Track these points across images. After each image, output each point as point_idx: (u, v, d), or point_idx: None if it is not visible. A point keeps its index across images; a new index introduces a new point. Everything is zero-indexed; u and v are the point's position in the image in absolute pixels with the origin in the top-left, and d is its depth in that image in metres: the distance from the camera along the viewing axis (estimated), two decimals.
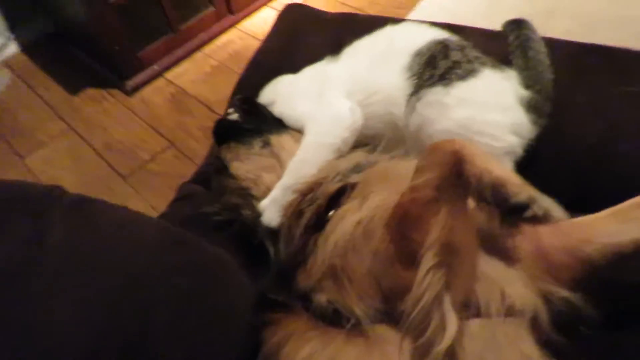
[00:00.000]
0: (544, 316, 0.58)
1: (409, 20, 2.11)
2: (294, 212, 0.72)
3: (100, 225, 0.56)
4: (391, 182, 0.66)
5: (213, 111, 2.06)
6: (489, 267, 0.58)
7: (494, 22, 2.04)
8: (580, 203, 0.79)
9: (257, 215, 0.78)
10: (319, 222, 0.68)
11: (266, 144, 0.87)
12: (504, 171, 0.52)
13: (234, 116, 0.91)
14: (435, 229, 0.51)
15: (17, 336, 0.44)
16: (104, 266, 0.52)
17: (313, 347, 0.57)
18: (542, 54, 0.88)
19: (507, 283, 0.58)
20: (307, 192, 0.73)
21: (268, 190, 0.81)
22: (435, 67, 0.83)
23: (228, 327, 0.56)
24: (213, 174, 0.88)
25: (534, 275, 0.61)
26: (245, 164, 0.85)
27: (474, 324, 0.54)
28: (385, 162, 0.75)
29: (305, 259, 0.66)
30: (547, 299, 0.61)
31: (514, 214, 0.50)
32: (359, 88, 0.88)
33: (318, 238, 0.66)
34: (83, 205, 0.58)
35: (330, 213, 0.67)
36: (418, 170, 0.57)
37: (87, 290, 0.49)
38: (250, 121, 0.89)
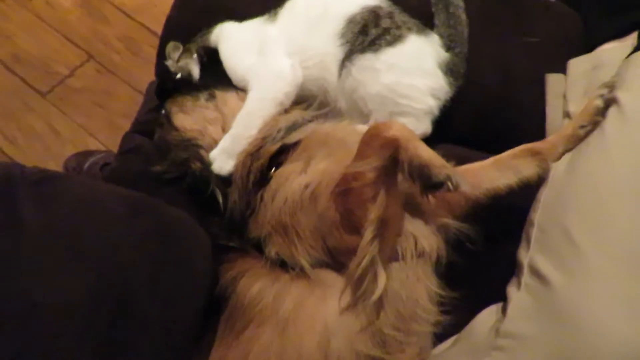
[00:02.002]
0: (443, 253, 0.78)
1: None
2: (243, 168, 0.82)
3: (68, 203, 0.63)
4: (331, 148, 0.78)
5: (132, 18, 1.94)
6: (407, 222, 0.75)
7: None
8: (481, 143, 0.97)
9: (207, 165, 0.86)
10: (263, 179, 0.79)
11: (211, 97, 0.92)
12: (430, 154, 0.67)
13: (187, 64, 0.94)
14: (375, 209, 0.66)
15: (25, 310, 0.54)
16: (84, 240, 0.60)
17: (264, 283, 0.73)
18: (460, 9, 0.97)
19: (419, 233, 0.76)
20: (253, 150, 0.83)
21: (214, 141, 0.89)
22: (367, 35, 0.91)
23: (195, 276, 0.68)
24: (156, 128, 0.93)
25: (436, 214, 0.79)
26: (190, 116, 0.91)
27: (393, 267, 0.73)
28: (323, 126, 0.85)
29: (254, 210, 0.78)
30: (445, 229, 0.81)
31: (433, 188, 0.67)
32: (296, 50, 0.93)
33: (264, 192, 0.78)
34: (45, 183, 0.65)
35: (272, 171, 0.79)
36: (360, 152, 0.70)
37: (76, 261, 0.58)
38: (203, 75, 0.93)
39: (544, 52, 1.00)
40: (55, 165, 1.67)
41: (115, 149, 1.70)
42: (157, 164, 0.88)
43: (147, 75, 1.80)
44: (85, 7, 1.96)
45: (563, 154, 0.81)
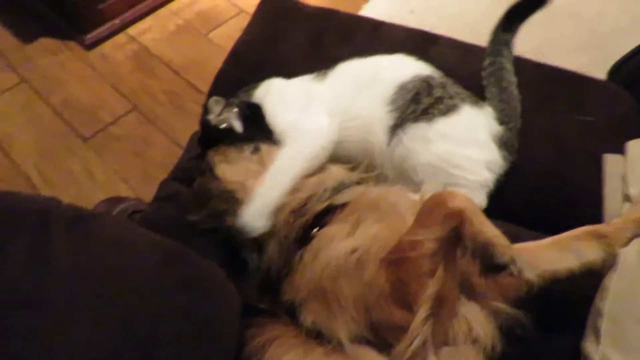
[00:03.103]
0: (497, 341, 0.70)
1: (369, 7, 2.15)
2: (286, 226, 0.78)
3: (100, 244, 0.60)
4: (383, 213, 0.73)
5: (178, 75, 2.02)
6: (461, 304, 0.68)
7: (461, 4, 2.08)
8: (532, 220, 0.92)
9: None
10: (305, 237, 0.74)
11: (256, 150, 0.90)
12: (494, 232, 0.61)
13: (227, 118, 0.94)
14: (433, 284, 0.60)
15: (40, 355, 0.49)
16: (112, 286, 0.56)
17: (294, 355, 0.66)
18: (513, 85, 0.96)
19: (473, 317, 0.69)
20: (297, 207, 0.79)
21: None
22: (419, 103, 0.90)
23: (221, 335, 0.63)
24: (197, 176, 0.91)
25: (489, 297, 0.72)
26: (232, 166, 0.88)
27: (443, 353, 0.65)
28: (373, 189, 0.81)
29: (291, 271, 0.73)
30: (498, 314, 0.73)
31: (495, 270, 0.60)
32: (340, 111, 0.93)
33: (304, 252, 0.72)
34: (80, 222, 0.61)
35: (315, 230, 0.74)
36: (420, 220, 0.65)
37: (101, 309, 0.54)
38: (247, 128, 0.92)
39: (599, 132, 0.96)
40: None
41: (146, 197, 1.71)
42: (193, 212, 0.85)
43: (186, 129, 1.83)
44: (137, 61, 2.06)
45: (631, 239, 0.74)
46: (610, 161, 0.91)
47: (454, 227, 0.62)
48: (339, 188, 0.80)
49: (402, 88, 0.92)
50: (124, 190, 1.76)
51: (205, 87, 1.91)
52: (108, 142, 1.85)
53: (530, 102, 0.97)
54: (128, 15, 2.12)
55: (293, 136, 0.90)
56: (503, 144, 0.92)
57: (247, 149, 0.90)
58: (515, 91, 0.96)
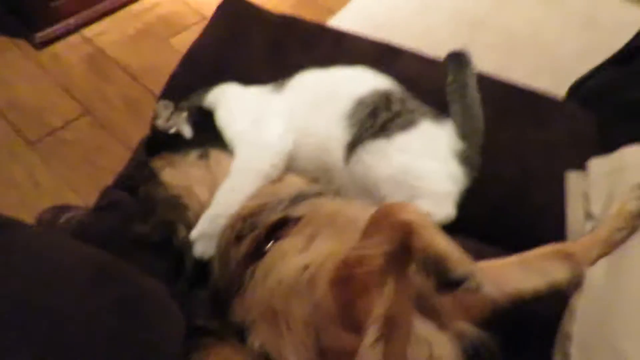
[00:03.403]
0: None
1: (344, 14, 2.14)
2: (233, 236, 0.72)
3: (18, 257, 0.52)
4: (340, 227, 0.68)
5: (136, 80, 1.93)
6: (420, 325, 0.63)
7: (426, 26, 2.11)
8: (494, 236, 0.89)
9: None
10: (257, 252, 0.69)
11: (204, 156, 0.85)
12: (447, 245, 0.56)
13: (176, 122, 0.88)
14: (381, 304, 0.54)
15: None
16: (30, 307, 0.49)
17: None
18: (476, 102, 0.94)
19: (434, 339, 0.63)
20: (248, 217, 0.74)
21: (198, 204, 0.80)
22: (376, 117, 0.86)
23: None
24: (141, 183, 0.84)
25: (451, 318, 0.68)
26: (177, 171, 0.83)
27: None
28: (332, 202, 0.76)
29: (241, 288, 0.67)
30: (461, 336, 0.68)
31: (450, 286, 0.55)
32: (295, 127, 0.89)
33: (256, 268, 0.67)
34: None
35: (269, 245, 0.69)
36: (367, 233, 0.59)
37: (15, 335, 0.46)
38: (196, 133, 0.87)
39: (561, 149, 0.95)
40: (28, 217, 1.54)
41: None
42: (139, 223, 0.78)
43: (142, 136, 1.76)
44: (91, 64, 1.96)
45: (597, 259, 0.72)
46: (573, 179, 0.90)
47: (401, 239, 0.57)
48: (296, 200, 0.75)
49: (361, 103, 0.88)
50: (72, 199, 1.64)
51: None
52: (56, 148, 1.74)
53: (492, 119, 0.95)
54: (84, 15, 2.02)
55: (243, 149, 0.85)
56: (464, 159, 0.89)
57: (194, 153, 0.85)
58: (478, 108, 0.94)
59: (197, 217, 0.79)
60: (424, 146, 0.87)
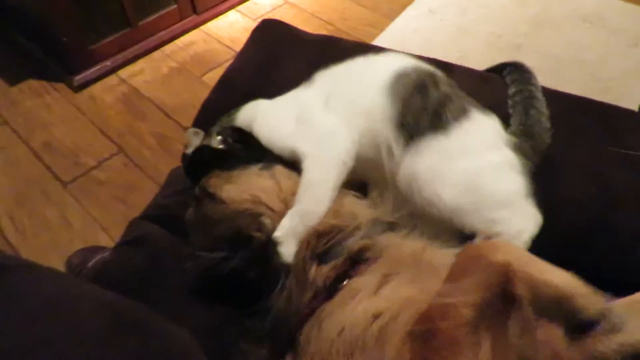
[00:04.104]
0: None
1: (380, 41, 2.10)
2: (309, 253, 0.62)
3: (26, 303, 0.44)
4: (421, 272, 0.57)
5: (169, 117, 1.91)
6: None
7: (464, 50, 2.05)
8: (577, 268, 0.76)
9: (271, 243, 0.67)
10: (332, 287, 0.58)
11: (267, 168, 0.76)
12: (568, 279, 0.45)
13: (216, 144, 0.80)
14: None
15: None
16: None
17: None
18: (544, 116, 0.83)
19: None
20: (325, 234, 0.64)
21: (271, 211, 0.70)
22: (427, 96, 0.75)
23: None
24: (192, 204, 0.75)
25: None
26: (239, 184, 0.72)
27: None
28: (414, 241, 0.65)
29: (300, 329, 0.55)
30: None
31: (582, 330, 0.43)
32: (339, 109, 0.78)
33: (324, 310, 0.55)
34: (3, 273, 0.46)
35: (345, 282, 0.58)
36: (453, 278, 0.48)
37: None
38: (242, 151, 0.78)
39: None
40: (58, 259, 1.51)
41: None
42: (196, 243, 0.67)
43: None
44: (126, 103, 1.96)
45: None
46: None
47: (499, 285, 0.45)
48: (374, 230, 0.64)
49: (403, 75, 0.77)
50: (103, 239, 1.60)
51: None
52: (89, 187, 1.71)
53: (563, 136, 0.84)
54: (120, 57, 2.04)
55: (306, 146, 0.75)
56: (517, 148, 0.77)
57: (255, 167, 0.75)
58: (545, 122, 0.83)
59: (274, 225, 0.69)
60: (480, 140, 0.76)
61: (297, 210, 0.69)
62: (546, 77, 1.91)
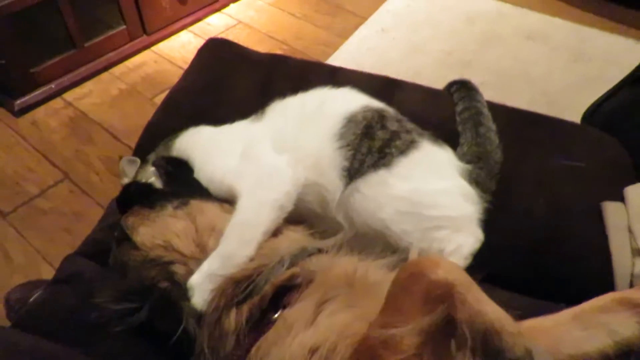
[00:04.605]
0: None
1: (335, 59, 2.12)
2: (221, 298, 0.58)
3: None
4: (356, 292, 0.54)
5: (119, 140, 1.84)
6: None
7: (416, 67, 2.09)
8: (529, 284, 0.76)
9: (180, 286, 0.63)
10: (260, 323, 0.54)
11: (182, 205, 0.72)
12: (498, 313, 0.43)
13: (147, 177, 0.76)
14: None
15: None
16: None
17: None
18: (492, 132, 0.84)
19: None
20: (244, 280, 0.60)
21: (182, 257, 0.67)
22: (374, 139, 0.76)
23: None
24: (113, 247, 0.71)
25: None
26: (152, 227, 0.69)
27: None
28: (346, 259, 0.62)
29: None
30: None
31: None
32: (288, 149, 0.77)
33: (260, 347, 0.52)
34: None
35: (277, 314, 0.54)
36: (393, 301, 0.45)
37: None
38: (171, 184, 0.74)
39: (591, 177, 0.85)
40: None
41: None
42: (103, 295, 0.63)
43: None
44: (72, 127, 1.87)
45: None
46: (611, 210, 0.78)
47: (439, 309, 0.43)
48: (300, 256, 0.62)
49: (351, 120, 0.77)
50: (46, 273, 1.50)
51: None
52: (31, 217, 1.61)
53: (512, 149, 0.85)
54: (65, 79, 1.96)
55: (246, 183, 0.72)
56: (473, 180, 0.78)
57: (170, 205, 0.72)
58: (494, 138, 0.84)
59: (186, 271, 0.65)
60: (427, 168, 0.76)
61: (219, 252, 0.66)
62: (496, 92, 1.98)
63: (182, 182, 0.74)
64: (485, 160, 0.81)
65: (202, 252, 0.67)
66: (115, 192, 1.64)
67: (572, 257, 0.78)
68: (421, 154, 0.76)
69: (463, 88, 0.93)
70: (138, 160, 0.81)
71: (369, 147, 0.75)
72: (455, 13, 2.36)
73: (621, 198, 0.80)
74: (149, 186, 0.74)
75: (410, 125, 0.81)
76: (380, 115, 0.79)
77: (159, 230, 0.68)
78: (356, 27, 2.28)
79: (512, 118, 0.92)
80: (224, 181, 0.75)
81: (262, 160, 0.76)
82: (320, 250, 0.65)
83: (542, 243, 0.79)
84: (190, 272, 0.64)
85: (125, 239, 0.70)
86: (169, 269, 0.65)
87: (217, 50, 1.04)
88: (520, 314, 0.55)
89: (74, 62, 1.96)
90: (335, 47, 2.19)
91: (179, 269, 0.66)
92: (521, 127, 0.92)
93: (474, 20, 2.33)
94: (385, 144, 0.75)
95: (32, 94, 1.90)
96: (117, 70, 2.09)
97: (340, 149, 0.75)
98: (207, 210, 0.72)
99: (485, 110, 0.88)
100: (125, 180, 0.80)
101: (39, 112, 1.92)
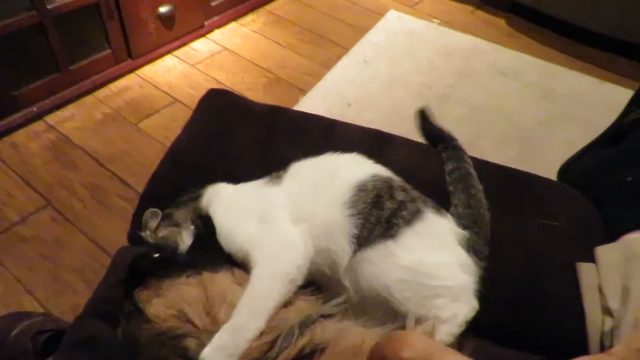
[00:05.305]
0: None
1: (319, 89, 2.17)
2: None
3: None
4: None
5: (103, 166, 1.83)
6: None
7: (397, 100, 2.17)
8: (511, 336, 0.83)
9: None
10: None
11: (195, 274, 0.75)
12: None
13: (172, 236, 0.78)
14: None
15: None
16: None
17: None
18: (481, 193, 0.91)
19: None
20: (259, 356, 0.63)
21: (193, 327, 0.70)
22: (382, 209, 0.81)
23: None
24: (121, 320, 0.73)
25: None
26: (165, 298, 0.71)
27: None
28: (355, 328, 0.66)
29: None
30: None
31: None
32: (302, 218, 0.82)
33: None
34: None
35: None
36: None
37: None
38: (196, 245, 0.77)
39: (567, 237, 0.93)
40: None
41: (56, 311, 1.45)
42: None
43: (109, 227, 1.65)
44: (55, 152, 1.86)
45: None
46: (584, 270, 0.86)
47: None
48: (306, 324, 0.66)
49: (362, 189, 0.83)
50: (27, 303, 1.48)
51: (134, 180, 1.77)
52: (12, 245, 1.59)
53: (494, 207, 0.92)
54: (48, 102, 1.94)
55: (260, 254, 0.76)
56: (471, 248, 0.85)
57: (184, 274, 0.74)
58: (483, 199, 0.91)
59: (198, 345, 0.67)
60: (431, 239, 0.82)
61: (231, 324, 0.68)
62: (472, 125, 2.10)
63: (201, 249, 0.77)
64: (480, 225, 0.88)
65: (214, 324, 0.69)
66: (100, 219, 1.65)
67: (551, 313, 0.85)
68: (425, 225, 0.82)
69: (450, 147, 1.00)
70: (160, 213, 0.84)
71: (377, 217, 0.80)
72: (433, 47, 2.46)
73: (593, 258, 0.88)
74: (162, 261, 0.76)
75: (415, 194, 0.87)
76: (389, 186, 0.84)
77: (172, 299, 0.71)
78: (339, 58, 2.35)
79: (490, 173, 0.99)
80: (243, 247, 0.79)
81: (277, 231, 0.80)
82: (324, 316, 0.69)
83: (521, 300, 0.86)
84: (203, 346, 0.67)
85: (136, 313, 0.71)
86: (181, 344, 0.67)
87: (218, 101, 1.08)
88: None
89: (57, 85, 1.95)
90: (319, 77, 2.25)
91: (191, 343, 0.68)
92: (499, 183, 0.99)
93: (451, 54, 2.44)
94: (392, 214, 0.80)
95: (12, 117, 1.87)
96: (101, 93, 2.09)
97: (351, 217, 0.80)
98: (219, 281, 0.74)
99: (473, 171, 0.95)
100: (147, 233, 0.82)
101: (20, 135, 1.89)
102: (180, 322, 0.69)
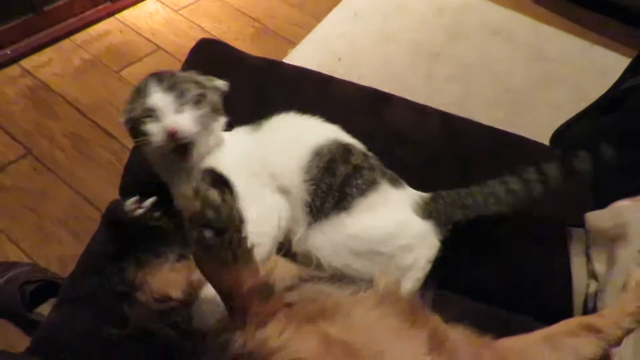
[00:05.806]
0: None
1: (308, 41, 2.11)
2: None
3: None
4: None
5: (85, 115, 1.77)
6: None
7: (387, 55, 2.12)
8: (504, 299, 0.85)
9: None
10: None
11: (183, 258, 0.74)
12: None
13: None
14: None
15: None
16: None
17: None
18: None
19: None
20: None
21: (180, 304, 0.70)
22: (334, 175, 0.79)
23: None
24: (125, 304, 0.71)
25: None
26: (153, 281, 0.71)
27: None
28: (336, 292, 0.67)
29: None
30: None
31: None
32: (269, 173, 0.81)
33: None
34: None
35: None
36: None
37: None
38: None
39: (557, 203, 0.94)
40: None
41: (42, 261, 1.43)
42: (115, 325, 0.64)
43: (92, 177, 1.61)
44: (33, 99, 1.78)
45: (625, 334, 0.69)
46: (573, 235, 0.89)
47: None
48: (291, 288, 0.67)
49: (318, 153, 0.81)
50: (13, 253, 1.46)
51: (118, 131, 1.72)
52: None
53: (485, 169, 0.93)
54: (22, 45, 1.84)
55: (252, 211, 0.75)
56: (427, 213, 0.83)
57: (172, 256, 0.74)
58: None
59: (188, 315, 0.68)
60: (384, 209, 0.81)
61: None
62: (461, 86, 2.07)
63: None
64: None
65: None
66: (82, 170, 1.61)
67: (538, 276, 0.88)
68: (380, 195, 0.80)
69: None
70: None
71: (329, 184, 0.79)
72: (425, 2, 2.39)
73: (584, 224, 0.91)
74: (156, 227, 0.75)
75: (375, 162, 0.85)
76: (346, 149, 0.82)
77: (158, 285, 0.71)
78: (329, 9, 2.27)
79: (481, 134, 0.99)
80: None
81: (264, 193, 0.80)
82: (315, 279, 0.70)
83: (509, 260, 0.89)
84: (191, 317, 0.68)
85: (130, 294, 0.71)
86: (170, 318, 0.68)
87: (210, 53, 1.03)
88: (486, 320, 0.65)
89: (32, 27, 1.84)
90: (308, 29, 2.18)
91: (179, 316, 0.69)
92: (489, 144, 0.99)
93: (443, 11, 2.37)
94: (345, 182, 0.79)
95: None
96: (78, 38, 1.98)
97: (305, 182, 0.79)
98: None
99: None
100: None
101: None
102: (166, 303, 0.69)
